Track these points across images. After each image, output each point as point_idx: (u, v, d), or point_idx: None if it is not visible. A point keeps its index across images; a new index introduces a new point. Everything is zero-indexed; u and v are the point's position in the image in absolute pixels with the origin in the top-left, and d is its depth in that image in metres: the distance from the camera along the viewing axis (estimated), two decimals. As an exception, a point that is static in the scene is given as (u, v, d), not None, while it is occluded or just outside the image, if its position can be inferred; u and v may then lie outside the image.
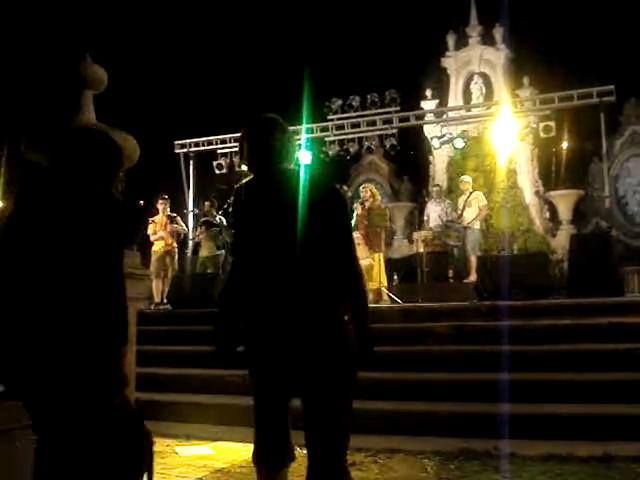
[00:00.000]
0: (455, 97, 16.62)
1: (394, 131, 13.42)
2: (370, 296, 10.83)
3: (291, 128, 12.26)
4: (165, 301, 11.49)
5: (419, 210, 13.22)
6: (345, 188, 14.54)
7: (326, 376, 2.87)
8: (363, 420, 5.82)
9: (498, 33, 16.46)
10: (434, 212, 12.36)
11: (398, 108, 13.48)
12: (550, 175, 16.12)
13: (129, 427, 2.85)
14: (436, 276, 11.75)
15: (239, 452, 5.30)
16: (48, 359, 2.68)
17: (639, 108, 15.89)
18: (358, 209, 11.27)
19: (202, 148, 14.26)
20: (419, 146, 17.01)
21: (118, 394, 2.82)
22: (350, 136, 13.67)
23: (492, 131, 14.02)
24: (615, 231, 12.73)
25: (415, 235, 12.28)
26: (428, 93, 16.76)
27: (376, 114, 13.49)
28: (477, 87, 16.32)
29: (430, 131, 15.53)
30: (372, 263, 10.62)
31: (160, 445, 4.90)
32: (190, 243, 13.65)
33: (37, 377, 2.70)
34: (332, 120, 13.76)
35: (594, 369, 6.18)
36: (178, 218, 12.59)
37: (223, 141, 13.88)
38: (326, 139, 13.67)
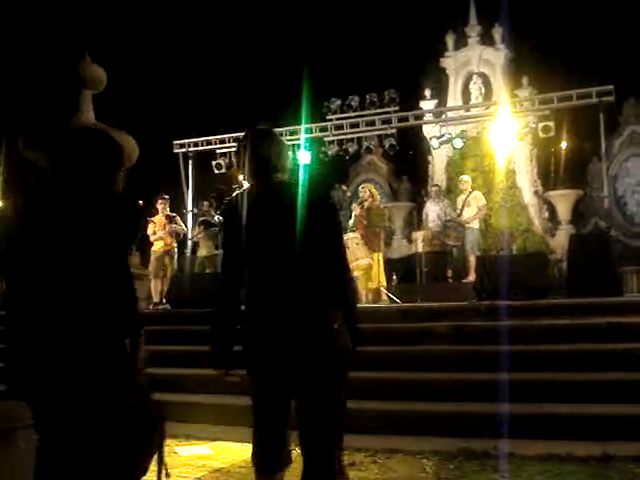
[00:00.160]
0: (454, 97, 16.63)
1: (393, 131, 13.40)
2: (369, 296, 10.85)
3: (290, 128, 12.20)
4: (164, 301, 11.48)
5: (418, 210, 13.22)
6: (344, 188, 14.57)
7: (317, 380, 2.97)
8: (362, 420, 5.83)
9: (497, 33, 16.47)
10: (433, 212, 12.36)
11: (397, 108, 13.45)
12: (549, 175, 16.13)
13: (142, 407, 2.95)
14: (435, 276, 11.76)
15: (238, 452, 5.30)
16: (62, 354, 2.74)
17: (638, 108, 15.91)
18: (356, 209, 11.28)
19: (201, 148, 14.24)
20: (418, 146, 17.01)
21: (134, 383, 2.90)
22: (349, 136, 13.65)
23: (491, 131, 14.01)
24: (614, 231, 12.75)
25: (414, 235, 12.30)
26: (427, 93, 16.77)
27: (375, 114, 13.46)
28: (476, 87, 16.33)
29: (429, 131, 15.53)
30: (371, 263, 10.62)
31: (159, 445, 4.89)
32: (189, 243, 13.64)
33: (51, 371, 2.74)
34: (331, 120, 13.73)
35: (593, 369, 6.18)
36: (177, 218, 12.57)
37: (222, 141, 13.86)
38: (325, 139, 13.65)
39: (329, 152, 13.68)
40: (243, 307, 3.16)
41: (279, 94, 16.52)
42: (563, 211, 15.05)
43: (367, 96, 13.71)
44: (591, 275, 8.90)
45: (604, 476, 4.49)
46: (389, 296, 10.63)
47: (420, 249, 11.46)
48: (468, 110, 15.07)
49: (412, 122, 13.81)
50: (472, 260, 11.33)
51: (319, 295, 3.04)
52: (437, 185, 13.83)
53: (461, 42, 16.89)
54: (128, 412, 2.84)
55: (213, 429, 6.15)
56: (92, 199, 2.93)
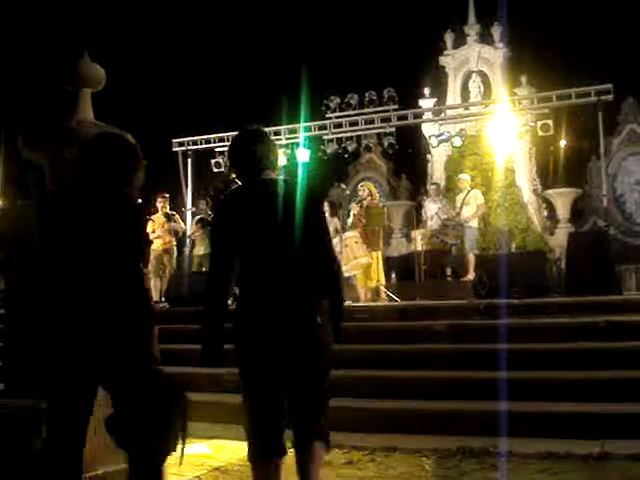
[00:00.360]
0: (453, 95, 16.63)
1: (392, 129, 13.39)
2: (368, 294, 10.85)
3: (289, 126, 12.20)
4: (162, 299, 11.48)
5: (417, 208, 13.19)
6: (343, 186, 14.56)
7: (302, 371, 3.23)
8: (360, 418, 5.85)
9: (496, 32, 16.47)
10: (432, 210, 12.34)
11: (396, 106, 13.44)
12: (548, 173, 16.15)
13: (164, 393, 3.20)
14: (434, 274, 11.77)
15: (236, 450, 5.29)
16: (92, 341, 3.04)
17: (636, 107, 15.93)
18: (355, 209, 11.27)
19: (200, 146, 14.23)
20: (417, 144, 17.01)
21: (151, 366, 3.21)
22: (348, 134, 13.64)
23: (490, 130, 14.02)
24: (613, 229, 12.76)
25: (413, 233, 12.27)
26: (426, 91, 16.76)
27: (374, 112, 13.46)
28: (475, 85, 16.34)
29: (428, 130, 15.53)
30: (370, 261, 10.61)
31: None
32: (188, 241, 13.64)
33: (84, 347, 3.05)
34: (330, 118, 13.73)
35: (591, 367, 6.18)
36: (177, 216, 12.57)
37: (221, 139, 13.84)
38: (324, 137, 13.64)
39: (328, 150, 13.68)
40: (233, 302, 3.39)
41: (278, 92, 16.49)
42: (562, 210, 15.04)
43: (366, 94, 13.70)
44: (590, 274, 8.90)
45: (603, 474, 4.50)
46: (388, 294, 10.63)
47: (419, 248, 11.45)
48: (467, 108, 15.07)
49: (411, 120, 13.79)
50: (471, 259, 11.33)
51: (305, 287, 3.23)
52: (436, 183, 13.81)
53: (460, 41, 16.88)
54: (145, 377, 3.15)
55: (212, 427, 6.14)
56: (109, 200, 3.18)
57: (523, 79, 15.72)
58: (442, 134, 13.87)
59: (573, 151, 16.71)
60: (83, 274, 3.09)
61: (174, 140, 14.30)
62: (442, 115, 14.88)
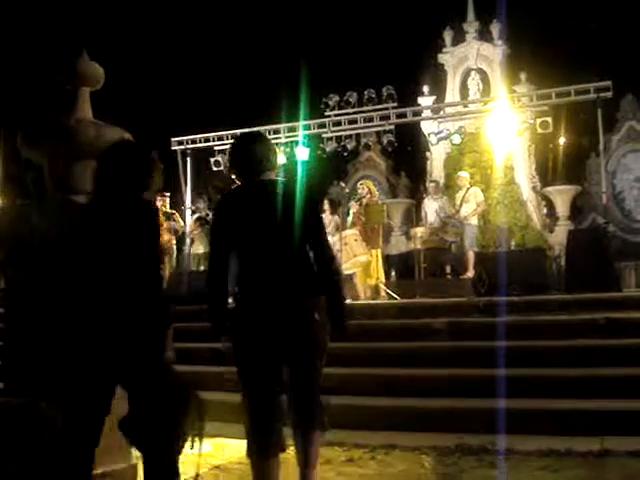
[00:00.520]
0: (452, 93, 16.61)
1: (391, 127, 13.37)
2: (368, 292, 10.86)
3: (288, 125, 12.22)
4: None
5: (416, 206, 13.19)
6: (342, 185, 14.57)
7: (299, 364, 3.45)
8: (360, 416, 5.85)
9: (495, 29, 16.44)
10: (431, 208, 12.34)
11: (395, 104, 13.41)
12: (547, 171, 16.15)
13: (179, 391, 3.35)
14: (433, 272, 11.79)
15: (237, 448, 5.29)
16: (114, 342, 3.15)
17: (636, 104, 15.93)
18: (354, 207, 11.27)
19: (199, 145, 14.22)
20: (416, 142, 17.00)
21: (165, 366, 3.30)
22: (347, 132, 13.63)
23: (489, 127, 14.01)
24: (612, 227, 12.77)
25: (412, 231, 12.27)
26: (425, 89, 16.73)
27: (373, 110, 13.43)
28: (474, 83, 16.33)
29: (427, 127, 15.51)
30: (370, 259, 10.62)
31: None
32: (187, 240, 13.64)
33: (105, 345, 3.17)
34: (329, 116, 13.71)
35: (591, 364, 6.19)
36: (176, 215, 12.57)
37: (220, 138, 13.82)
38: (323, 135, 13.62)
39: (327, 148, 13.68)
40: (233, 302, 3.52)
41: (278, 91, 16.50)
42: (561, 207, 15.04)
43: (365, 92, 13.67)
44: (589, 271, 8.91)
45: (603, 471, 4.50)
46: (388, 292, 10.64)
47: (419, 245, 11.46)
48: (466, 106, 15.06)
49: (410, 118, 13.77)
50: (470, 256, 11.34)
51: (302, 285, 3.40)
52: (435, 181, 13.79)
53: (459, 38, 16.86)
54: (162, 377, 3.27)
55: (212, 426, 6.13)
56: (130, 207, 3.31)
57: (522, 76, 15.71)
58: (441, 132, 13.86)
59: (572, 148, 16.71)
60: (107, 279, 3.20)
61: (173, 139, 14.28)
62: (441, 113, 14.85)
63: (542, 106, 12.38)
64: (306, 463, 3.49)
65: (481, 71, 16.39)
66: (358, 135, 13.71)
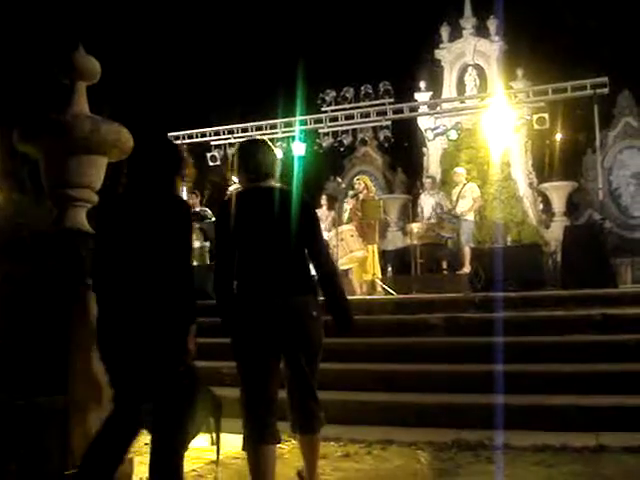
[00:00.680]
0: (449, 89, 16.59)
1: (388, 123, 13.38)
2: (364, 288, 10.86)
3: (285, 120, 12.17)
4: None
5: (413, 202, 13.19)
6: (339, 180, 14.57)
7: (295, 357, 3.57)
8: (357, 412, 5.86)
9: (492, 25, 16.40)
10: (428, 204, 12.35)
11: (392, 100, 13.42)
12: (544, 167, 16.16)
13: (196, 387, 3.46)
14: (430, 268, 11.79)
15: (233, 444, 5.30)
16: (138, 338, 3.26)
17: (632, 100, 15.93)
18: (350, 202, 11.25)
19: (196, 140, 14.21)
20: (413, 138, 17.00)
21: (184, 362, 3.37)
22: (344, 128, 13.64)
23: (486, 123, 14.01)
24: (608, 223, 12.76)
25: (409, 227, 12.26)
26: (422, 85, 16.70)
27: (370, 106, 13.44)
28: (471, 79, 16.29)
29: (424, 123, 15.50)
30: (366, 255, 10.62)
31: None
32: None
33: (126, 351, 3.28)
34: (326, 112, 13.71)
35: (587, 360, 6.20)
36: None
37: (217, 133, 13.82)
38: (320, 131, 13.63)
39: (324, 144, 13.67)
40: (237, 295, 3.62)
41: (274, 86, 16.49)
42: (558, 203, 15.07)
43: (362, 88, 13.67)
44: (585, 267, 8.92)
45: (599, 466, 4.51)
46: (384, 288, 10.64)
47: (415, 241, 11.46)
48: (463, 102, 15.05)
49: (407, 114, 13.79)
50: (467, 252, 11.35)
51: (299, 282, 3.57)
52: (432, 177, 13.78)
53: (456, 34, 16.82)
54: (181, 376, 3.35)
55: (208, 421, 6.14)
56: (161, 201, 3.38)
57: (519, 72, 15.69)
58: (438, 127, 13.86)
59: (569, 144, 16.74)
60: (138, 276, 3.29)
61: (169, 134, 14.26)
62: (438, 108, 14.86)
63: (539, 102, 12.40)
64: (307, 467, 3.71)
65: (478, 67, 16.36)
66: (355, 130, 13.72)
